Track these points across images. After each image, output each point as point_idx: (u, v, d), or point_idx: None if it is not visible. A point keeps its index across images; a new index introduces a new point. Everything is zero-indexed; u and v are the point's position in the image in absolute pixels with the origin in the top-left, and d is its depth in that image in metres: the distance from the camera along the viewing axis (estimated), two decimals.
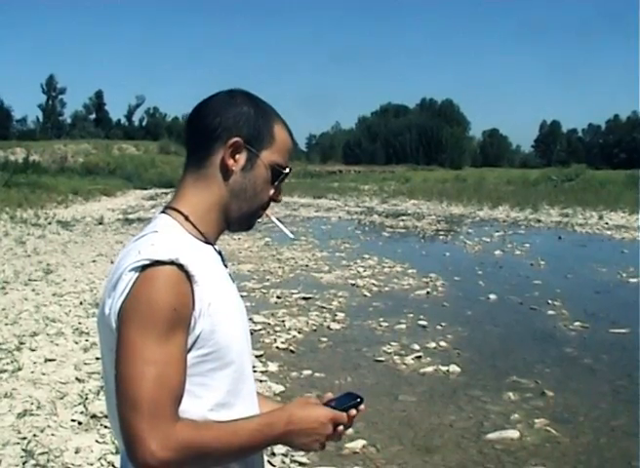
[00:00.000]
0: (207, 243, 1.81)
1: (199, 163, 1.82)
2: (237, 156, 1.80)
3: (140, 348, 1.57)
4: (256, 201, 1.85)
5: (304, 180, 63.52)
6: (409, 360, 8.63)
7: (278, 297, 12.33)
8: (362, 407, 1.83)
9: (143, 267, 1.60)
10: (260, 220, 1.96)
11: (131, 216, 29.75)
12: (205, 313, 1.65)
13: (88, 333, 8.94)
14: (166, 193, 48.36)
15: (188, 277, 1.62)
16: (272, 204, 1.94)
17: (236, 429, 1.65)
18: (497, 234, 23.59)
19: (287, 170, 1.87)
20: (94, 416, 6.16)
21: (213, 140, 1.80)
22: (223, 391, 1.72)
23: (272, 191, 1.88)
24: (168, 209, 1.83)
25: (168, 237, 1.69)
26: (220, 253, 1.89)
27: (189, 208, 1.80)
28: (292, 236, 2.01)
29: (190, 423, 1.61)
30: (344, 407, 1.80)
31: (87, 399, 6.59)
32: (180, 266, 1.61)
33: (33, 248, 18.03)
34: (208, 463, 1.65)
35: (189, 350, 1.65)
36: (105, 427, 5.92)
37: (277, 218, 1.98)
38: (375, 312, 11.23)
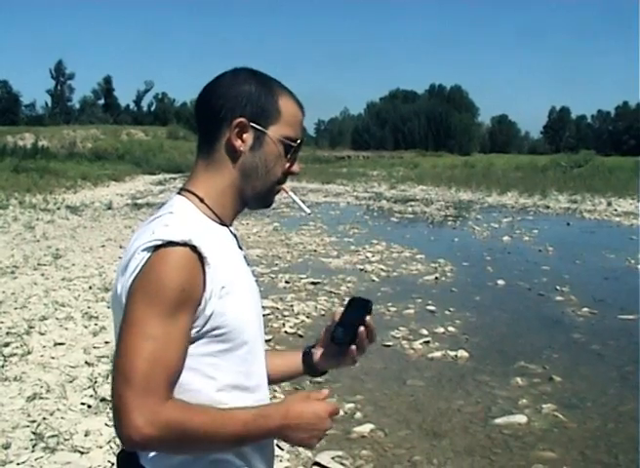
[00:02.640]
0: (222, 224, 1.81)
1: (209, 147, 1.82)
2: (245, 136, 1.79)
3: (143, 324, 1.58)
4: (269, 178, 1.84)
5: (313, 166, 63.38)
6: (417, 345, 8.64)
7: (287, 282, 12.35)
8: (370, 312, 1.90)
9: (156, 247, 1.60)
10: (277, 197, 1.94)
11: (139, 201, 29.77)
12: (216, 295, 1.66)
13: (97, 318, 8.98)
14: (174, 178, 48.39)
15: (201, 258, 1.63)
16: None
17: (227, 418, 1.64)
18: (505, 220, 23.55)
19: (298, 141, 1.85)
20: (103, 400, 6.19)
21: (218, 123, 1.79)
22: (235, 372, 1.73)
23: (287, 165, 1.87)
24: (184, 190, 1.83)
25: (182, 218, 1.70)
26: (235, 235, 1.89)
27: (204, 190, 1.80)
28: (308, 211, 1.99)
29: (181, 404, 1.61)
30: (357, 320, 1.87)
31: (96, 382, 6.63)
32: (194, 248, 1.61)
33: (42, 233, 18.07)
34: (193, 448, 1.64)
35: (200, 331, 1.66)
36: None
37: (294, 192, 1.96)
38: (383, 297, 11.25)
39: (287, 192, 1.93)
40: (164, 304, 1.58)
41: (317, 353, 2.10)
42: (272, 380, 2.01)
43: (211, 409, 1.65)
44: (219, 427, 1.62)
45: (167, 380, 1.60)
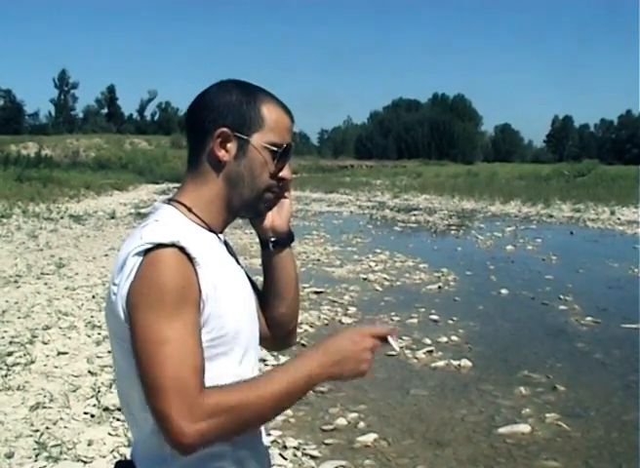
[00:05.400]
0: (211, 231, 1.82)
1: (195, 159, 1.84)
2: (228, 145, 1.79)
3: (153, 332, 1.58)
4: (257, 185, 1.83)
5: (316, 175, 63.39)
6: (420, 354, 8.63)
7: None
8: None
9: (146, 251, 1.61)
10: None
11: (143, 211, 29.72)
12: (211, 296, 1.67)
13: (100, 327, 8.98)
14: (177, 187, 48.06)
15: (190, 259, 1.63)
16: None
17: (265, 381, 1.65)
18: (508, 229, 23.52)
19: (283, 146, 1.84)
20: (106, 409, 6.19)
21: (203, 135, 1.80)
22: (232, 376, 1.71)
23: (276, 171, 1.85)
24: (172, 201, 1.84)
25: (169, 224, 1.71)
26: (225, 242, 1.90)
27: (191, 201, 1.81)
28: (398, 349, 1.95)
29: (215, 389, 1.60)
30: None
31: (99, 392, 6.63)
32: (182, 248, 1.62)
33: (45, 242, 18.08)
34: (247, 421, 1.64)
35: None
36: (118, 420, 5.95)
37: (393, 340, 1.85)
38: (386, 306, 11.24)
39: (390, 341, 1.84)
40: (167, 306, 1.59)
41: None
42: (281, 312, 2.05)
43: (242, 382, 1.65)
44: (258, 394, 1.61)
45: (195, 374, 1.59)
